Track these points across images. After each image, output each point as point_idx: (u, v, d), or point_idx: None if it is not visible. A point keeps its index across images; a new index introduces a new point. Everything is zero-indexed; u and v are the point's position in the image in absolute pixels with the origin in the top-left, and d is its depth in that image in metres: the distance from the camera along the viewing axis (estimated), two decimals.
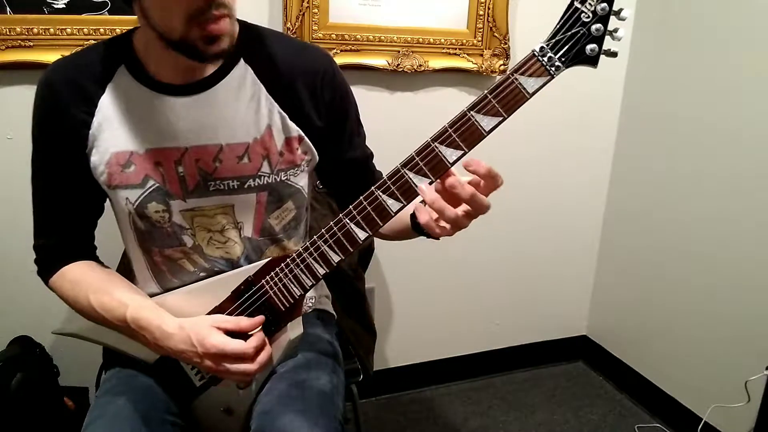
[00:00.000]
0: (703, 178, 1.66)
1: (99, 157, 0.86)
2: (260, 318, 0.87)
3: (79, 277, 0.92)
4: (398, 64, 1.61)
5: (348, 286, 1.33)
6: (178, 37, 0.76)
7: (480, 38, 1.66)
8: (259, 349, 0.84)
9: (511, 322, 2.07)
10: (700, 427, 1.66)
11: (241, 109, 0.87)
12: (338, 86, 0.94)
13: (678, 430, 1.79)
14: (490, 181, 0.74)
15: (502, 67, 1.69)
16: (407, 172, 0.75)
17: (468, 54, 1.67)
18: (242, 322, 0.86)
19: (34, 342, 1.42)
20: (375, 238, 1.44)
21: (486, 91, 0.72)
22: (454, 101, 1.72)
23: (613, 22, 0.70)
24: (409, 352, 1.96)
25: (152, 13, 0.76)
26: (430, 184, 0.75)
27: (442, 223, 0.76)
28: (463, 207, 0.75)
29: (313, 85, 0.91)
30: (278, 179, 0.91)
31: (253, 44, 0.88)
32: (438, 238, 0.82)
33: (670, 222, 1.79)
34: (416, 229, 0.86)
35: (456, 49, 1.66)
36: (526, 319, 2.08)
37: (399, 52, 1.60)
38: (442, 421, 1.86)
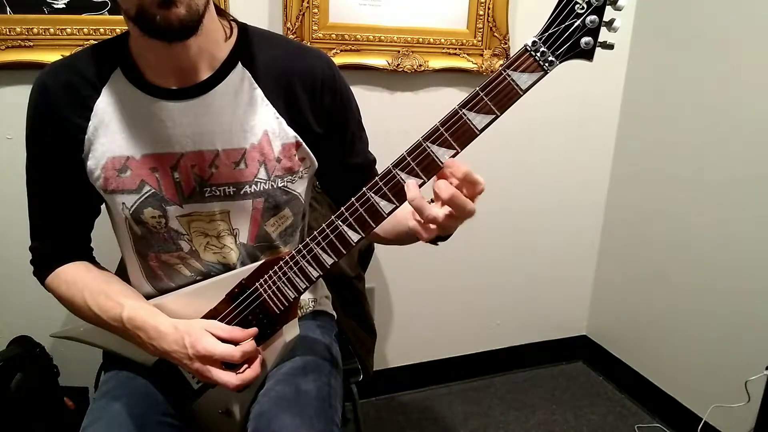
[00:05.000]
0: (703, 177, 1.66)
1: (95, 162, 0.85)
2: (253, 330, 0.87)
3: (75, 277, 0.92)
4: (398, 64, 1.60)
5: (348, 287, 1.34)
6: (135, 10, 0.73)
7: (480, 38, 1.66)
8: (247, 355, 0.83)
9: (511, 322, 2.06)
10: (700, 427, 1.66)
11: (237, 114, 0.86)
12: (338, 90, 0.92)
13: (678, 430, 1.79)
14: (469, 186, 0.70)
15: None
16: (399, 172, 0.74)
17: (468, 54, 1.67)
18: (235, 332, 0.85)
19: (34, 342, 1.42)
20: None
21: (478, 88, 0.69)
22: (454, 101, 1.69)
23: (609, 13, 0.67)
24: (409, 352, 1.96)
25: None
26: (422, 185, 0.73)
27: (429, 225, 0.73)
28: (446, 209, 0.71)
29: (312, 89, 0.89)
30: (275, 186, 0.90)
31: (250, 47, 0.87)
32: (436, 243, 0.81)
33: (670, 222, 1.79)
34: None
35: (456, 49, 1.65)
36: (526, 319, 2.08)
37: (399, 52, 1.60)
38: (442, 421, 1.86)
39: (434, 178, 0.73)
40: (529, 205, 1.94)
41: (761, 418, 1.48)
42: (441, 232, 0.75)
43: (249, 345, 0.84)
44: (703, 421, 1.66)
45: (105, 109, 0.84)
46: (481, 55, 1.68)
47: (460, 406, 1.93)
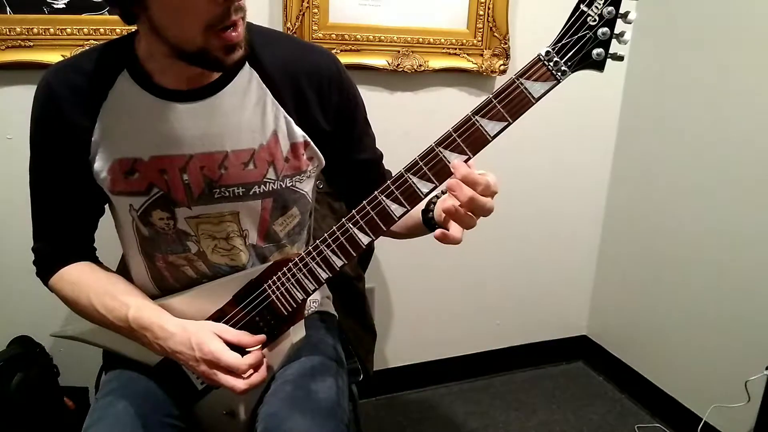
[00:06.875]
0: (702, 178, 1.66)
1: (101, 164, 0.85)
2: (261, 337, 0.88)
3: (80, 278, 0.91)
4: (398, 64, 1.60)
5: (348, 287, 1.33)
6: (195, 49, 0.74)
7: (480, 38, 1.66)
8: (252, 367, 0.84)
9: (512, 322, 2.07)
10: (700, 427, 1.66)
11: (246, 115, 0.86)
12: (345, 87, 0.92)
13: (678, 430, 1.79)
14: (474, 188, 0.71)
15: (502, 67, 1.68)
16: (411, 176, 0.75)
17: (468, 54, 1.67)
18: (244, 337, 0.86)
19: (34, 342, 1.42)
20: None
21: (491, 96, 0.71)
22: (454, 101, 1.72)
23: (619, 26, 0.69)
24: (409, 352, 1.96)
25: (164, 26, 0.74)
26: (434, 188, 0.75)
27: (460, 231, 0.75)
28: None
29: (319, 87, 0.89)
30: (283, 185, 0.90)
31: (257, 47, 0.86)
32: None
33: (670, 222, 1.79)
34: (428, 224, 0.86)
35: (456, 49, 1.65)
36: (526, 319, 2.08)
37: (399, 52, 1.60)
38: (442, 421, 1.86)
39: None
40: (530, 206, 1.94)
41: (761, 418, 1.49)
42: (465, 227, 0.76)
43: (254, 357, 0.84)
44: (703, 421, 1.66)
45: (112, 110, 0.84)
46: (481, 55, 1.68)
47: (460, 406, 1.93)
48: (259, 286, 0.88)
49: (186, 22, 0.73)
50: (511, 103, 0.70)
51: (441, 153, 0.73)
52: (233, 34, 0.75)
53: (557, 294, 2.10)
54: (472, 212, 0.73)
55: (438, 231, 0.75)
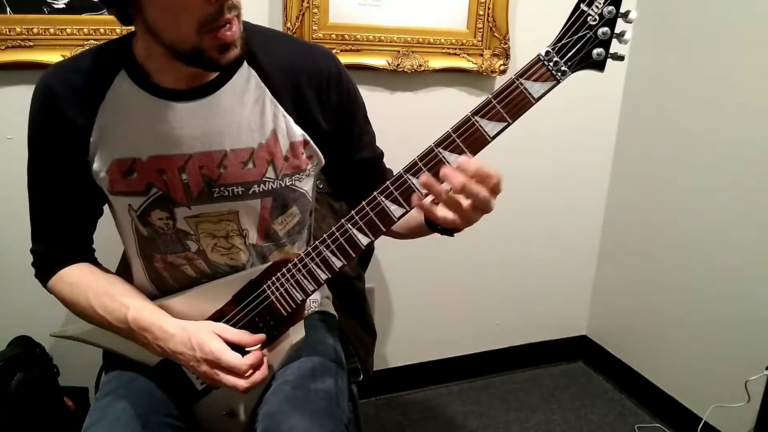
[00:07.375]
0: (702, 178, 1.66)
1: (100, 164, 0.85)
2: (261, 336, 0.88)
3: (79, 279, 0.91)
4: (398, 64, 1.60)
5: (348, 287, 1.33)
6: (189, 48, 0.75)
7: (480, 38, 1.66)
8: (253, 367, 0.84)
9: (512, 322, 2.06)
10: (700, 427, 1.66)
11: (245, 114, 0.85)
12: (345, 87, 0.92)
13: (678, 430, 1.79)
14: (484, 181, 0.71)
15: (502, 67, 1.68)
16: (410, 177, 0.75)
17: (468, 54, 1.67)
18: (244, 336, 0.86)
19: (34, 342, 1.42)
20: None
21: (490, 96, 0.71)
22: (454, 101, 1.72)
23: (619, 25, 0.69)
24: (409, 352, 1.96)
25: (159, 26, 0.74)
26: None
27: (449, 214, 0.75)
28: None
29: (318, 86, 0.89)
30: (283, 184, 0.90)
31: (256, 47, 0.86)
32: (452, 234, 0.81)
33: (670, 222, 1.79)
34: (429, 224, 0.86)
35: (456, 49, 1.65)
36: (527, 319, 2.08)
37: (399, 52, 1.60)
38: (442, 421, 1.86)
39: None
40: (530, 206, 1.93)
41: (761, 418, 1.49)
42: (462, 224, 0.76)
43: (255, 356, 0.84)
44: (703, 421, 1.66)
45: (110, 110, 0.84)
46: (481, 55, 1.68)
47: (460, 406, 1.93)
48: (258, 286, 0.88)
49: (180, 21, 0.73)
50: (511, 104, 0.70)
51: (440, 153, 0.73)
52: (227, 33, 0.75)
53: (557, 294, 2.10)
54: (469, 198, 0.72)
55: (415, 197, 0.75)
